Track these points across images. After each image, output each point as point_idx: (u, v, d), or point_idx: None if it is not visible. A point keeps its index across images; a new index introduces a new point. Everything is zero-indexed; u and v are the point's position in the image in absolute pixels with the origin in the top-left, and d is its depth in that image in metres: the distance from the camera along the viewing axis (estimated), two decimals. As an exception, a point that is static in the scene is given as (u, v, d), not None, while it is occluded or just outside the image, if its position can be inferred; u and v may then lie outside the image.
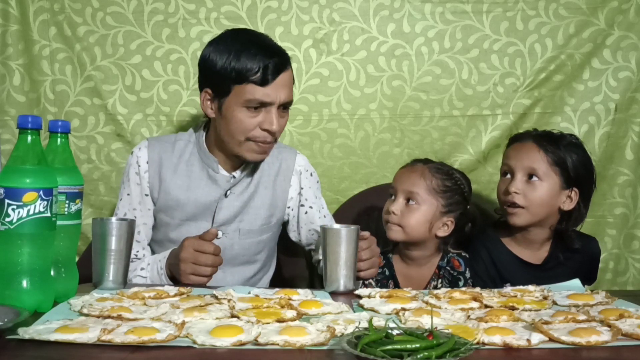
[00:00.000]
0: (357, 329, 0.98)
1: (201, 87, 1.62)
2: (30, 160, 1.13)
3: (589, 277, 1.82)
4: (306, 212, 1.76)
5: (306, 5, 2.10)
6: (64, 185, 1.22)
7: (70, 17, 2.06)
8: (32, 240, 1.12)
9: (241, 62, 1.52)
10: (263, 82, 1.52)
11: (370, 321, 0.96)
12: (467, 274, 1.72)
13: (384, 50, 2.12)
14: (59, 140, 1.26)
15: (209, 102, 1.59)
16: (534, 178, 1.71)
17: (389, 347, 0.87)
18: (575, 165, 1.72)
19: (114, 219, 1.38)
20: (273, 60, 1.53)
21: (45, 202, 1.12)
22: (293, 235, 1.80)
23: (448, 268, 1.72)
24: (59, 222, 1.18)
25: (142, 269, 1.59)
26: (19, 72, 2.06)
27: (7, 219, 1.10)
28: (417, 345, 0.88)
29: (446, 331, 0.97)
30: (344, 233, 1.39)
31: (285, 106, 1.59)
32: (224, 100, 1.56)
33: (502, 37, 2.13)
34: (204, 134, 1.68)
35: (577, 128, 2.14)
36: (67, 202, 1.23)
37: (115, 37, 2.07)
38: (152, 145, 1.67)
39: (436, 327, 0.98)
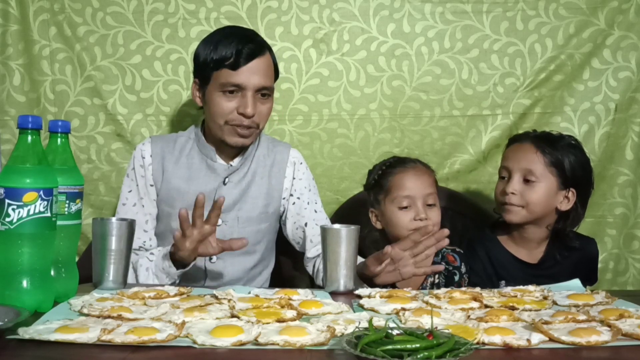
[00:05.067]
0: (357, 329, 0.98)
1: (194, 79, 1.73)
2: (31, 160, 1.13)
3: (587, 278, 1.82)
4: (294, 203, 1.79)
5: (306, 5, 2.10)
6: (64, 185, 1.22)
7: (70, 17, 2.06)
8: (32, 240, 1.12)
9: (218, 51, 1.64)
10: (235, 67, 1.62)
11: (370, 321, 0.95)
12: (463, 269, 1.72)
13: (384, 50, 2.12)
14: (59, 140, 1.26)
15: (197, 92, 1.72)
16: (531, 179, 1.71)
17: (389, 347, 0.87)
18: (572, 166, 1.72)
19: (114, 219, 1.38)
20: (247, 46, 1.63)
21: (46, 202, 1.12)
22: (282, 228, 1.83)
23: (443, 263, 1.73)
24: (59, 222, 1.18)
25: (151, 253, 1.64)
26: (19, 72, 2.06)
27: (7, 219, 1.10)
28: (417, 345, 0.88)
29: (446, 331, 0.97)
30: (344, 233, 1.39)
31: (263, 93, 1.66)
32: (206, 88, 1.68)
33: (502, 37, 2.13)
34: (202, 127, 1.77)
35: (577, 128, 2.14)
36: (67, 202, 1.24)
37: (115, 37, 2.07)
38: (155, 141, 1.77)
39: (436, 327, 0.98)
